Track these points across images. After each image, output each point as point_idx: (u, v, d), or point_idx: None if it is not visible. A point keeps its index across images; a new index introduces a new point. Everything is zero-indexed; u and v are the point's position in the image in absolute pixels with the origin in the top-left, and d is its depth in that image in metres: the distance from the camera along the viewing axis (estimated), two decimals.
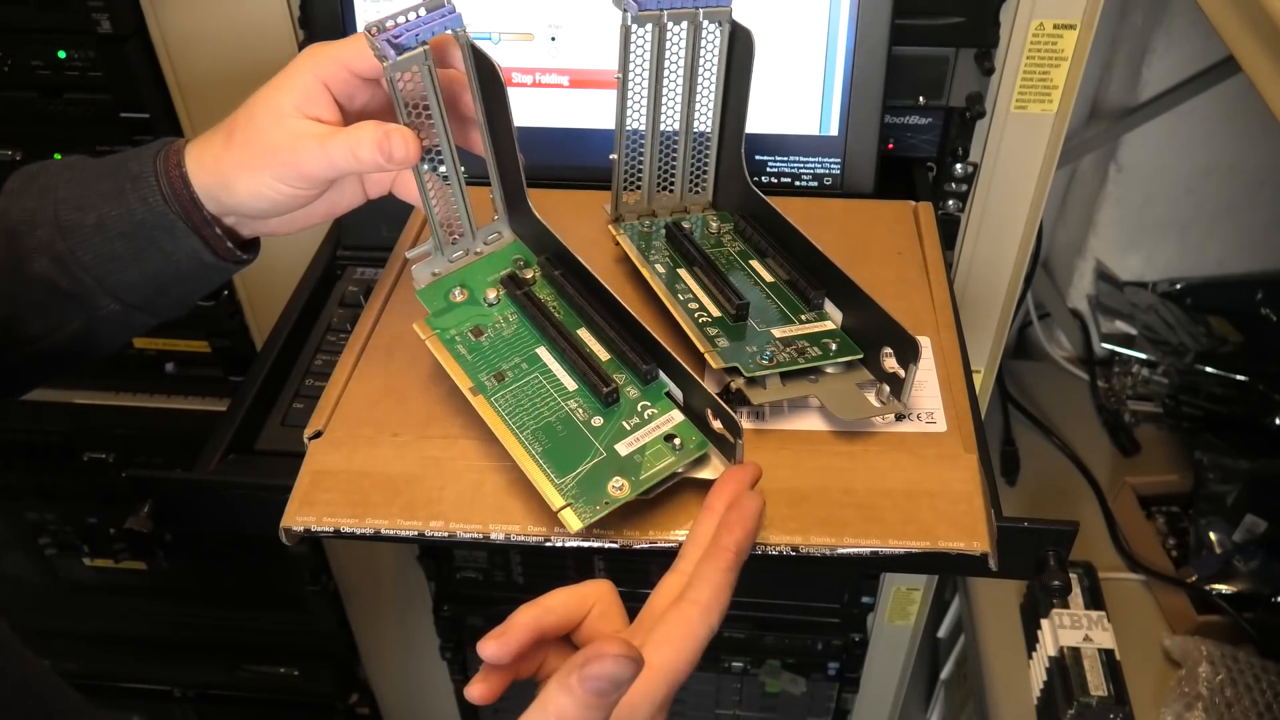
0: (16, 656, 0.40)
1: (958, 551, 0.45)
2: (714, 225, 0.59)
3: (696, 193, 0.60)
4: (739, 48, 0.54)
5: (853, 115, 0.66)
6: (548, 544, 0.46)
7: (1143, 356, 1.09)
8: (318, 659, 1.19)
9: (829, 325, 0.53)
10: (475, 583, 1.03)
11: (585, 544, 0.45)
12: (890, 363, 0.50)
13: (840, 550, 0.45)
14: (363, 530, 0.46)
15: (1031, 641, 0.88)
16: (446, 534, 0.46)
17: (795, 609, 1.02)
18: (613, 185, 0.58)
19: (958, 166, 0.74)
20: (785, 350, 0.51)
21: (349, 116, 0.49)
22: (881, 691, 1.15)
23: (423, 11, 0.45)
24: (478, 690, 0.39)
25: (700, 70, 0.54)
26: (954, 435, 0.50)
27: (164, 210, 0.50)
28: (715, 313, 0.53)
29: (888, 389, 0.50)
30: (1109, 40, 0.99)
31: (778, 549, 0.45)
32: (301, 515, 0.47)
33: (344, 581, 1.09)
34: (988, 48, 0.69)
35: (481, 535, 0.46)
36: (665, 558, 0.44)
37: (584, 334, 0.50)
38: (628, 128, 0.55)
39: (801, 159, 0.68)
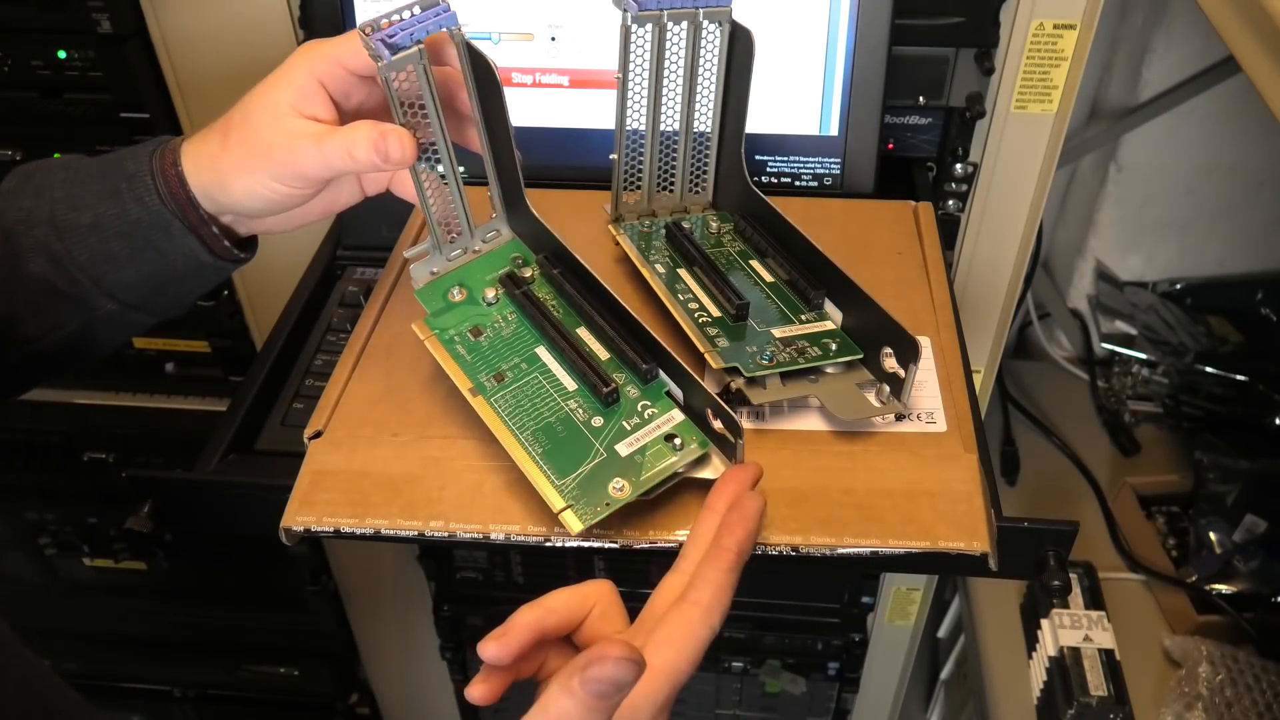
0: (16, 656, 0.40)
1: (958, 551, 0.45)
2: (714, 225, 0.59)
3: (696, 193, 0.60)
4: (739, 48, 0.54)
5: (853, 115, 0.66)
6: (548, 544, 0.46)
7: (1143, 356, 1.09)
8: (318, 659, 1.19)
9: (829, 325, 0.53)
10: (475, 583, 1.03)
11: (585, 544, 0.45)
12: (890, 363, 0.50)
13: (840, 550, 0.45)
14: (363, 530, 0.46)
15: (1031, 641, 0.88)
16: (446, 534, 0.46)
17: (795, 609, 1.02)
18: (613, 185, 0.58)
19: (958, 166, 0.74)
20: (785, 350, 0.51)
21: (345, 114, 0.49)
22: (881, 691, 1.15)
23: (417, 10, 0.45)
24: (478, 691, 0.39)
25: (700, 70, 0.54)
26: (954, 435, 0.50)
27: (160, 209, 0.49)
28: (715, 313, 0.53)
29: (888, 389, 0.50)
30: (1109, 40, 0.99)
31: (778, 549, 0.45)
32: (301, 515, 0.47)
33: (344, 581, 1.09)
34: (988, 48, 0.69)
35: (481, 535, 0.46)
36: (666, 558, 0.44)
37: (583, 333, 0.50)
38: (628, 128, 0.55)
39: (801, 159, 0.68)
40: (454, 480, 0.48)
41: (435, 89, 0.46)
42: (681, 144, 0.57)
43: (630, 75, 0.53)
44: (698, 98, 0.56)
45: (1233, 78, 0.93)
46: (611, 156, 0.56)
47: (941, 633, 1.17)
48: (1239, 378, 1.02)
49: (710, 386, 0.49)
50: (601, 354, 0.49)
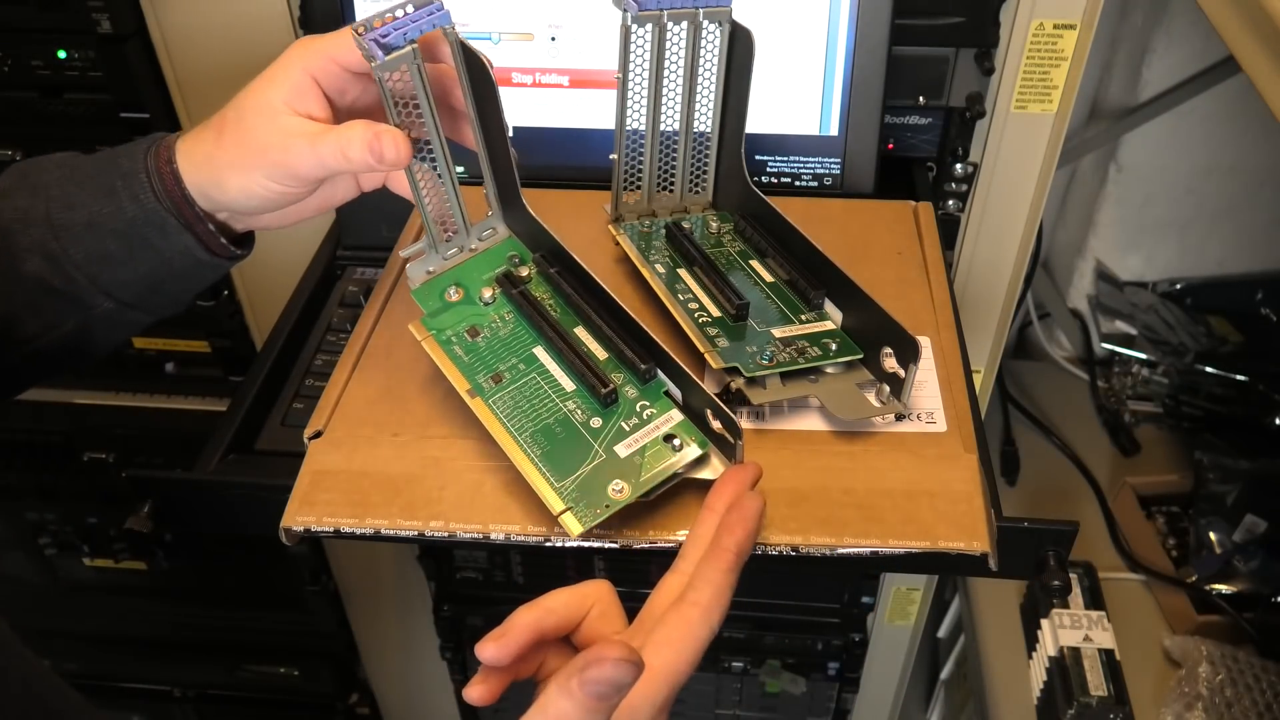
0: (17, 656, 0.40)
1: (958, 551, 0.45)
2: (714, 225, 0.59)
3: (696, 193, 0.60)
4: (739, 48, 0.54)
5: (853, 115, 0.66)
6: (548, 544, 0.46)
7: (1143, 356, 1.09)
8: (318, 659, 1.19)
9: (829, 325, 0.53)
10: (475, 583, 1.03)
11: (585, 544, 0.45)
12: (890, 363, 0.50)
13: (840, 550, 0.45)
14: (363, 530, 0.46)
15: (1031, 641, 0.88)
16: (446, 534, 0.46)
17: (795, 609, 1.02)
18: (613, 185, 0.58)
19: (958, 166, 0.74)
20: (785, 350, 0.51)
21: (339, 110, 0.49)
22: (881, 691, 1.15)
23: (410, 9, 0.44)
24: (476, 692, 0.39)
25: (700, 70, 0.54)
26: (954, 435, 0.50)
27: (155, 207, 0.49)
28: (715, 313, 0.53)
29: (888, 389, 0.50)
30: (1109, 40, 0.99)
31: (778, 549, 0.45)
32: (301, 515, 0.47)
33: (344, 581, 1.09)
34: (988, 48, 0.69)
35: (481, 535, 0.46)
36: (666, 558, 0.44)
37: (581, 332, 0.50)
38: (628, 128, 0.55)
39: (801, 159, 0.68)
40: (454, 480, 0.48)
41: (429, 87, 0.46)
42: (681, 144, 0.57)
43: (630, 75, 0.53)
44: (698, 98, 0.56)
45: (1233, 78, 0.93)
46: (611, 156, 0.56)
47: (941, 633, 1.17)
48: (1239, 378, 1.02)
49: (710, 386, 0.49)
50: (599, 354, 0.49)
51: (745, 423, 0.50)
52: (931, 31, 0.68)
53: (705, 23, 0.53)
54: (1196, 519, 0.91)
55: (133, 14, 0.73)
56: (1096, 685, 0.81)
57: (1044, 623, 0.86)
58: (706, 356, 0.50)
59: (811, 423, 0.50)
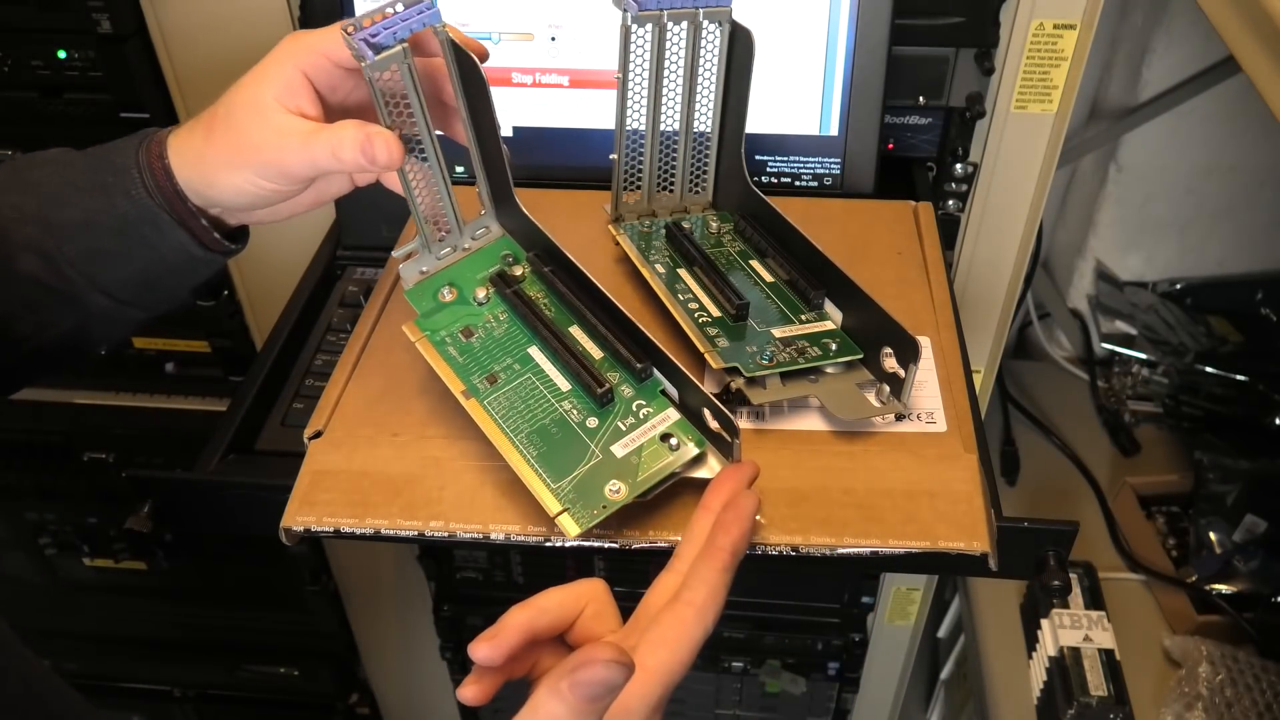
0: (17, 656, 0.40)
1: (958, 551, 0.45)
2: (714, 225, 0.59)
3: (696, 193, 0.60)
4: (739, 48, 0.54)
5: (853, 115, 0.66)
6: (547, 544, 0.46)
7: (1143, 356, 1.09)
8: (318, 659, 1.19)
9: (829, 325, 0.53)
10: (475, 583, 1.03)
11: (584, 544, 0.45)
12: (890, 363, 0.50)
13: (840, 550, 0.45)
14: (363, 530, 0.46)
15: (1031, 641, 0.88)
16: (446, 534, 0.46)
17: (795, 609, 1.02)
18: (613, 185, 0.58)
19: (958, 166, 0.74)
20: (785, 350, 0.51)
21: (330, 107, 0.48)
22: (881, 691, 1.15)
23: (400, 8, 0.44)
24: (470, 692, 0.39)
25: (700, 70, 0.54)
26: (954, 435, 0.49)
27: (148, 204, 0.49)
28: (715, 313, 0.53)
29: (888, 389, 0.50)
30: (1109, 40, 0.99)
31: (778, 549, 0.45)
32: (301, 515, 0.47)
33: (344, 581, 1.09)
34: (988, 48, 0.69)
35: (481, 535, 0.46)
36: (665, 558, 0.44)
37: (576, 332, 0.50)
38: (628, 128, 0.55)
39: (801, 159, 0.68)
40: (454, 480, 0.48)
41: (420, 85, 0.46)
42: (681, 144, 0.57)
43: (630, 75, 0.53)
44: (698, 98, 0.56)
45: (1233, 78, 0.93)
46: (611, 156, 0.56)
47: (941, 633, 1.17)
48: (1239, 378, 1.02)
49: (710, 387, 0.49)
50: (595, 353, 0.49)
51: (745, 423, 0.50)
52: (931, 31, 0.68)
53: (705, 23, 0.53)
54: (1196, 519, 0.91)
55: (133, 14, 0.73)
56: (1096, 685, 0.81)
57: (1044, 623, 0.86)
58: (706, 356, 0.50)
59: (811, 423, 0.50)
